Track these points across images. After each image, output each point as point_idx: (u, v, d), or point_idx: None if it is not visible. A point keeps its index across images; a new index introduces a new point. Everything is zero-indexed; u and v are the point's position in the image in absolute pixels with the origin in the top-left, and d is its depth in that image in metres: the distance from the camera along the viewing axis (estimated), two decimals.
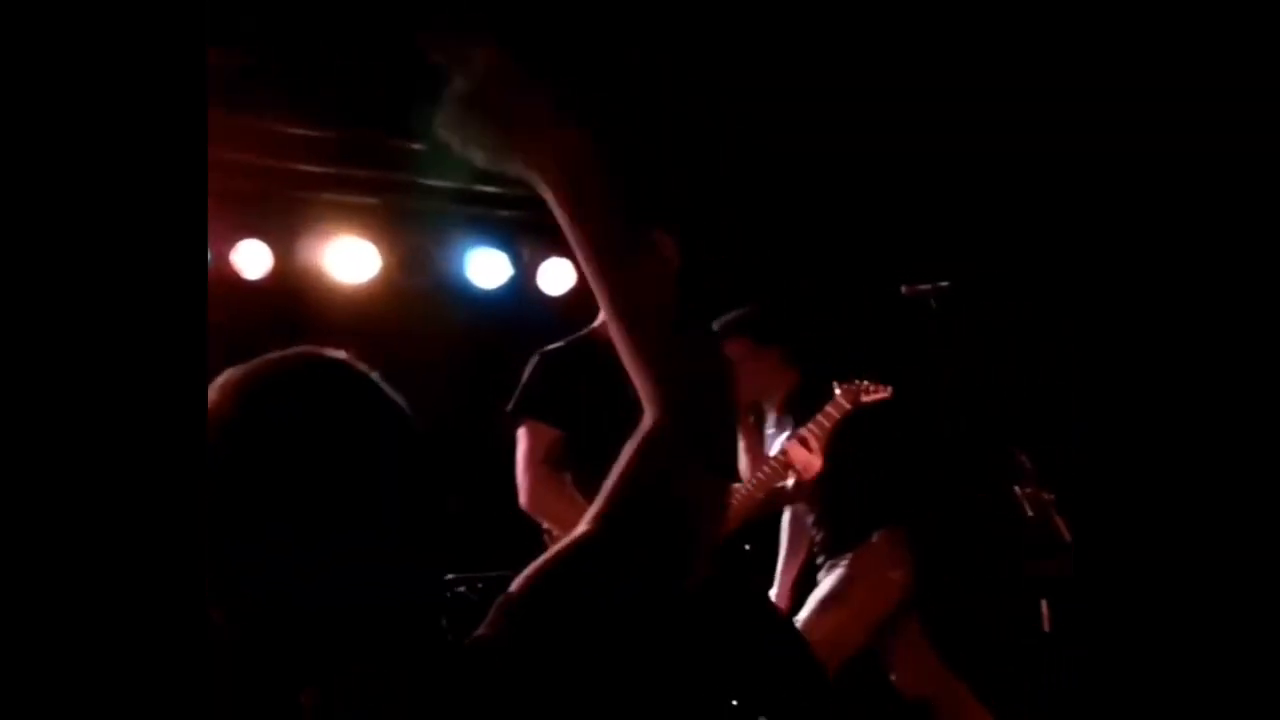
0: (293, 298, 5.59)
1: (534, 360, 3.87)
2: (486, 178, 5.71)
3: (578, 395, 3.70)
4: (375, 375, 1.32)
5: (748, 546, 4.03)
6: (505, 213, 6.00)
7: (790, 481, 4.04)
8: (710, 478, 1.45)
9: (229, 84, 4.54)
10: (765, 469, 4.10)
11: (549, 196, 1.43)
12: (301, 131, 5.09)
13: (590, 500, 1.44)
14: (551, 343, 3.92)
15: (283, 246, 5.58)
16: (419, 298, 5.86)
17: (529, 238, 6.04)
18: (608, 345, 3.93)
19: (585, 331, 3.92)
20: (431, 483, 1.31)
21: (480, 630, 1.31)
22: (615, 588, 1.33)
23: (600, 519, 1.37)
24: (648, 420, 1.43)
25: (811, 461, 4.01)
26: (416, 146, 5.30)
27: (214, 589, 1.20)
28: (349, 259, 5.66)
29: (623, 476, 1.39)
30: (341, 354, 1.32)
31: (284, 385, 1.27)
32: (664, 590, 1.37)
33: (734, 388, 1.50)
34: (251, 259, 5.52)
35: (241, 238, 5.48)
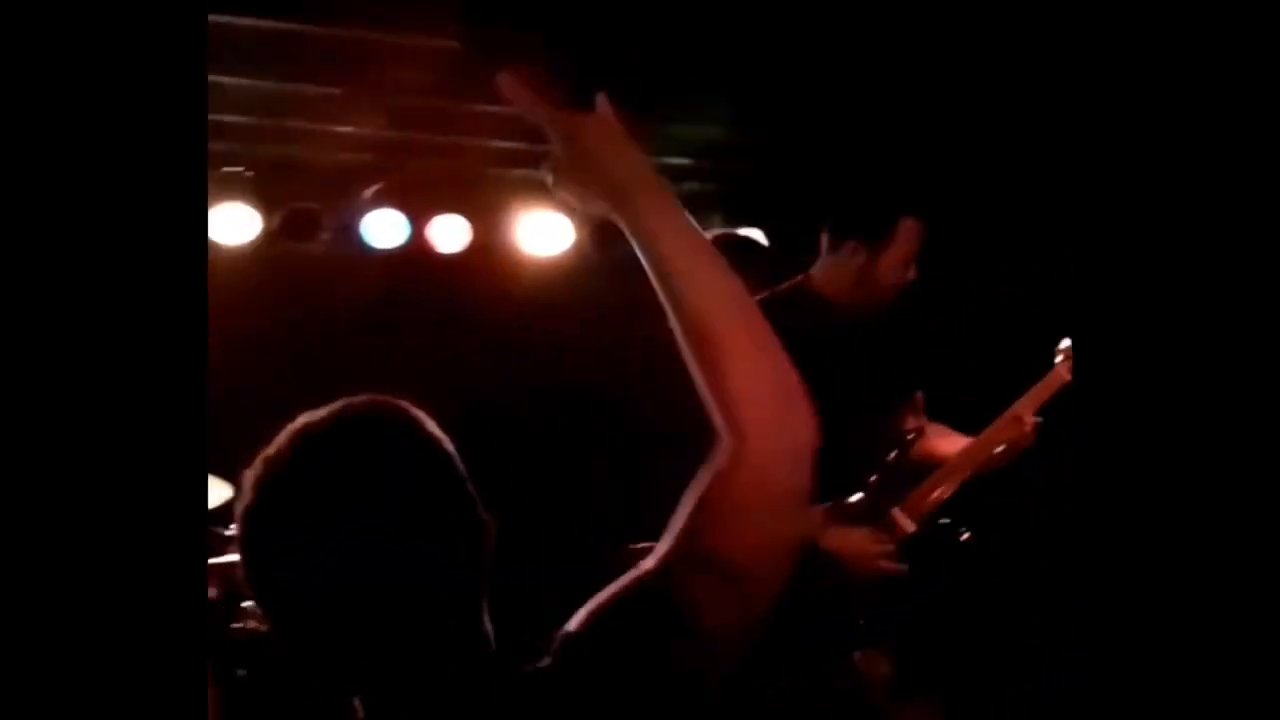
0: (488, 271, 5.73)
1: None
2: (675, 150, 5.76)
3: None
4: (423, 417, 1.42)
5: (966, 534, 3.85)
6: (693, 185, 6.04)
7: (1001, 449, 3.82)
8: (784, 523, 1.41)
9: (427, 67, 4.68)
10: (994, 428, 3.84)
11: (623, 224, 1.46)
12: (497, 109, 5.20)
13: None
14: None
15: (480, 220, 5.73)
16: (611, 270, 5.94)
17: (717, 209, 6.06)
18: (817, 298, 3.86)
19: (797, 280, 3.89)
20: (462, 503, 1.39)
21: (541, 662, 1.36)
22: (672, 632, 1.34)
23: (664, 559, 1.38)
24: (723, 451, 1.40)
25: (1029, 434, 3.76)
26: None
27: (250, 585, 1.37)
28: (543, 232, 5.78)
29: (692, 515, 1.39)
30: (400, 402, 1.44)
31: (331, 432, 1.40)
32: (722, 640, 1.37)
33: (812, 405, 1.42)
34: (448, 233, 5.68)
35: (438, 213, 5.64)
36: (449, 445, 1.42)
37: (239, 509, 1.38)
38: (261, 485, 1.37)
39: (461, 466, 1.41)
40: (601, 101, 1.50)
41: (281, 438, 1.39)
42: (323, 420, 1.40)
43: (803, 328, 3.62)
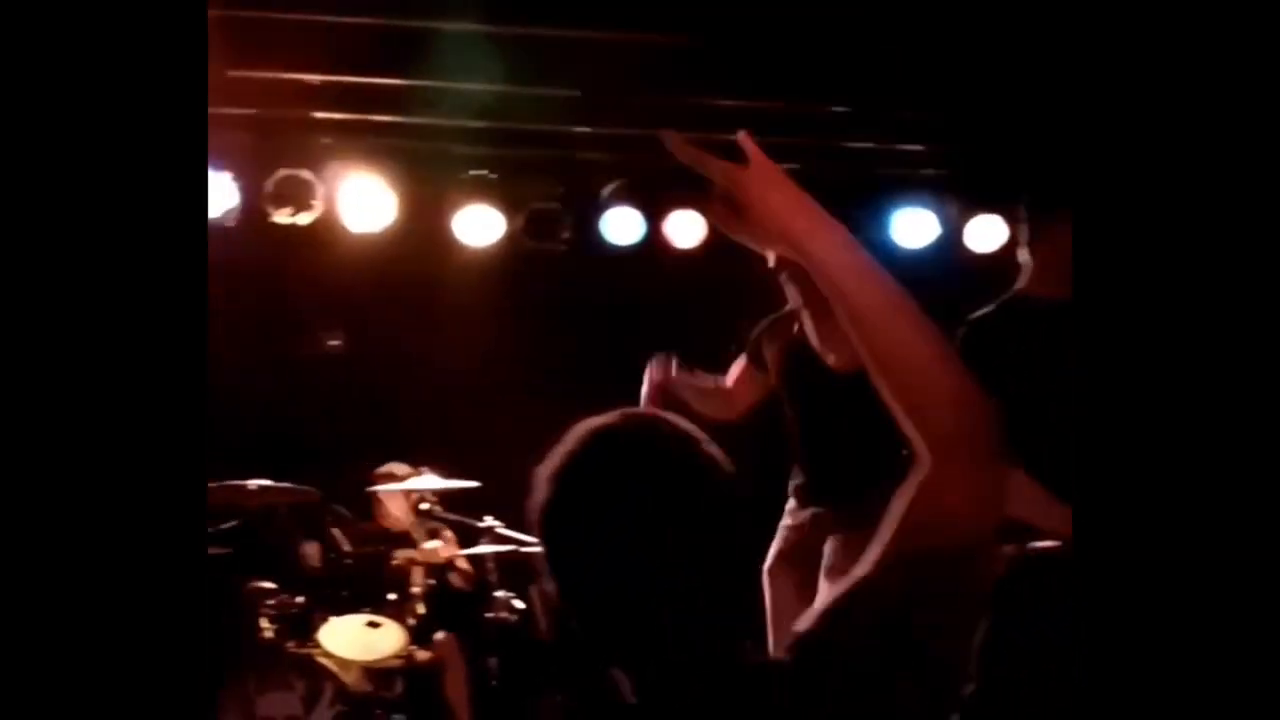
0: (724, 265, 5.75)
1: (962, 330, 3.54)
2: (911, 137, 5.68)
3: (1009, 367, 3.51)
4: (700, 434, 1.51)
5: None
6: (930, 172, 5.94)
7: None
8: (980, 527, 1.46)
9: (660, 64, 4.75)
10: None
11: (811, 270, 1.53)
12: (732, 103, 5.23)
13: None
14: (979, 305, 3.68)
15: None
16: None
17: (956, 196, 5.95)
18: (1037, 304, 3.65)
19: (1011, 294, 3.70)
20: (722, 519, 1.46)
21: (776, 657, 1.44)
22: (896, 629, 1.40)
23: (881, 562, 1.44)
24: (920, 461, 1.47)
25: None
26: (839, 110, 5.34)
27: (551, 572, 1.48)
28: None
29: (899, 524, 1.45)
30: (678, 419, 1.53)
31: (622, 436, 1.50)
32: (945, 639, 1.42)
33: (997, 423, 1.48)
34: (684, 229, 5.74)
35: (674, 209, 5.71)
36: (728, 465, 1.50)
37: (537, 501, 1.49)
38: (559, 479, 1.48)
39: (733, 482, 1.49)
40: (748, 144, 1.58)
41: (576, 436, 1.50)
42: (613, 424, 1.51)
43: (1033, 340, 3.48)
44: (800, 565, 4.26)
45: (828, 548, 4.19)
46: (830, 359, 3.90)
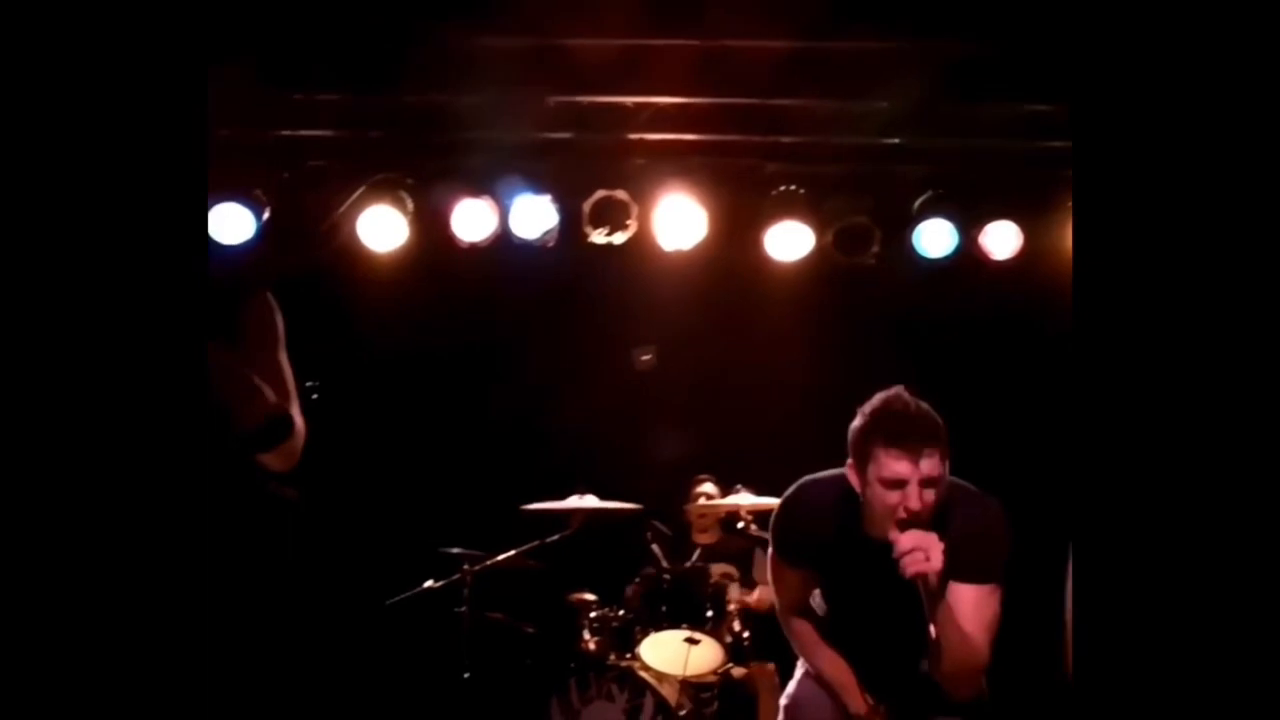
0: (1042, 277, 5.55)
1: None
2: None
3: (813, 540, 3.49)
4: None
5: None
6: None
7: None
8: None
9: (967, 73, 4.65)
10: None
11: None
12: (1036, 108, 5.06)
13: None
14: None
15: (1031, 225, 5.57)
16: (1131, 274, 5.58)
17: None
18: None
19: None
20: None
21: None
22: None
23: None
24: None
25: None
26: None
27: None
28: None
29: None
30: None
31: None
32: None
33: None
34: (1000, 240, 5.58)
35: (990, 220, 5.55)
36: None
37: None
38: None
39: None
40: None
41: None
42: None
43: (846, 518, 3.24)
44: None
45: None
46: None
